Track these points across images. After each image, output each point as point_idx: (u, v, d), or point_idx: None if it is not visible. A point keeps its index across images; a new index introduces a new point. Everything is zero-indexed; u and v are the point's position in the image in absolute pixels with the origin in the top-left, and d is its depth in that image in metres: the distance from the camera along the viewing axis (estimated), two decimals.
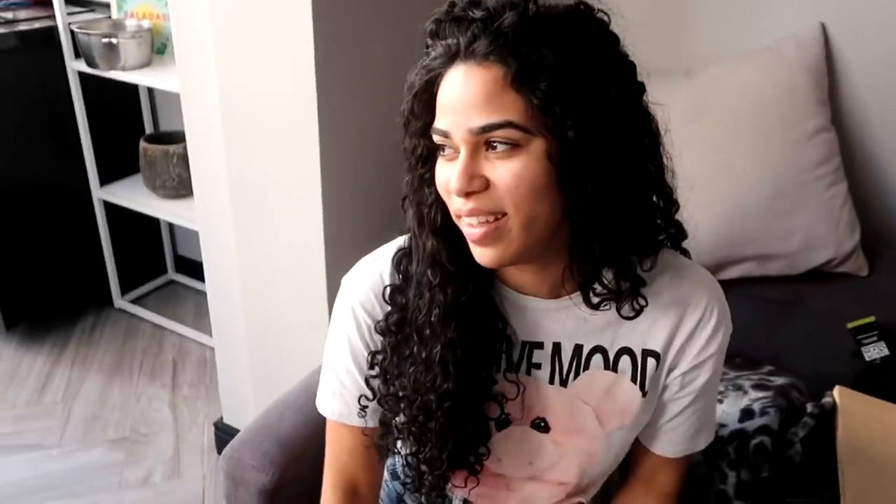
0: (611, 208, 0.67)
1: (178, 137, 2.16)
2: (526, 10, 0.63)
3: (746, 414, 1.08)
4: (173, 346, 2.34)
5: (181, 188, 2.15)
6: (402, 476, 0.85)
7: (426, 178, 0.72)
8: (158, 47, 2.12)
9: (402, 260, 0.78)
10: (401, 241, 0.81)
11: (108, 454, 1.88)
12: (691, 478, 1.02)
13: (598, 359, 0.79)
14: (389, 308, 0.78)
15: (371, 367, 0.80)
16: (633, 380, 0.79)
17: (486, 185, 0.65)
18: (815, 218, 1.30)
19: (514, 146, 0.63)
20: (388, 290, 0.78)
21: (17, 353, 2.25)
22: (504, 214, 0.66)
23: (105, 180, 2.28)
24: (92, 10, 2.32)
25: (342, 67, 1.26)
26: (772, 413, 1.06)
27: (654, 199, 0.72)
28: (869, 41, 1.35)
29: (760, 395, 1.10)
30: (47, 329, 2.36)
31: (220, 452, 1.87)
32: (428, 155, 0.71)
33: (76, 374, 2.17)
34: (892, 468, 1.00)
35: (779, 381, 1.15)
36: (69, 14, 2.08)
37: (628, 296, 0.72)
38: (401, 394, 0.78)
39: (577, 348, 0.78)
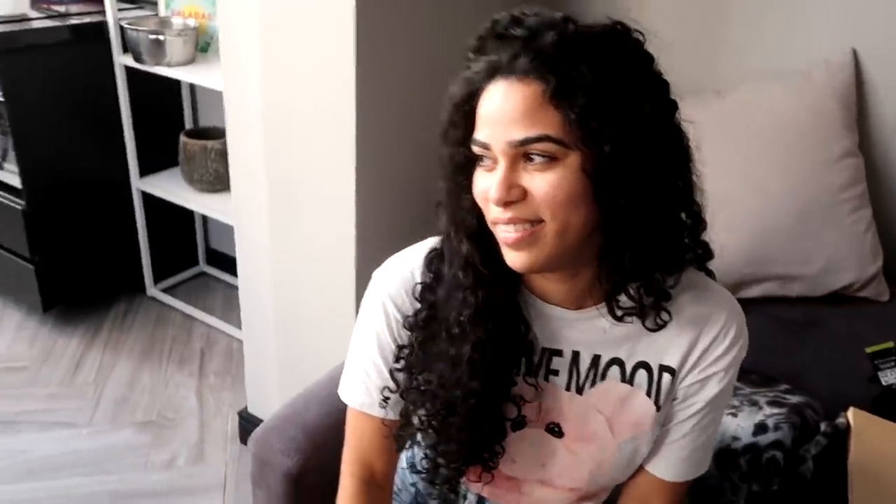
0: (641, 220, 0.68)
1: (216, 133, 2.23)
2: (565, 29, 0.66)
3: (760, 428, 1.09)
4: (201, 335, 2.39)
5: (217, 183, 2.20)
6: (419, 466, 0.88)
7: (463, 185, 0.74)
8: (202, 45, 2.18)
9: (433, 260, 0.81)
10: (432, 241, 0.83)
11: (136, 436, 1.94)
12: (703, 488, 1.05)
13: (615, 370, 0.80)
14: (419, 305, 0.80)
15: (397, 360, 0.82)
16: (649, 394, 0.80)
17: (524, 195, 0.67)
18: (839, 241, 1.31)
19: (552, 159, 0.66)
20: (420, 287, 0.81)
21: (52, 335, 2.32)
22: (541, 221, 0.68)
23: (144, 172, 2.34)
24: (140, 7, 2.39)
25: (381, 74, 1.30)
26: (785, 429, 1.07)
27: (683, 216, 0.73)
28: None
29: (775, 411, 1.11)
30: (82, 313, 2.42)
31: (242, 441, 1.92)
32: (465, 164, 0.72)
33: (108, 358, 2.23)
34: None
35: (794, 399, 1.16)
36: (119, 10, 2.15)
37: (652, 309, 0.74)
38: (424, 388, 0.80)
39: (595, 358, 0.80)
